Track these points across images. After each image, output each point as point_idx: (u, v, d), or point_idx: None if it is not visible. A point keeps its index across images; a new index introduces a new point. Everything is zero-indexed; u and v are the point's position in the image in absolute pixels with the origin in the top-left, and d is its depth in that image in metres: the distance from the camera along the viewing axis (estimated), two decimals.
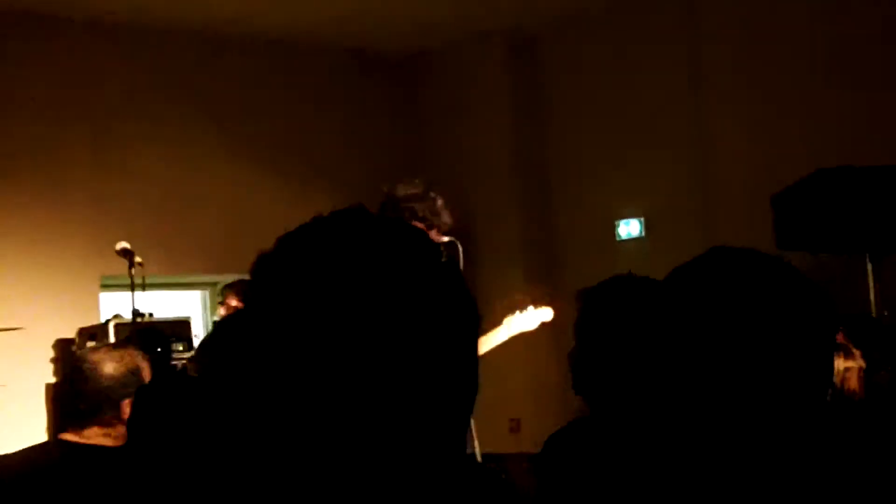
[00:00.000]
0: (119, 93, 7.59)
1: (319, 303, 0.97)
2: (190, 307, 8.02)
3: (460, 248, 5.64)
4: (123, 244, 5.29)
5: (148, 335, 5.42)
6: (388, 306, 0.97)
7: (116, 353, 3.02)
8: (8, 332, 5.84)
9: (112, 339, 6.10)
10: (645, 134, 7.73)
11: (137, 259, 5.17)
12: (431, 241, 1.03)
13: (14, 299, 6.73)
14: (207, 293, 8.24)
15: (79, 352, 3.08)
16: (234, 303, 5.71)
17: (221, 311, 5.81)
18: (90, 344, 6.22)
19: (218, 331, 1.12)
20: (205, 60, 8.00)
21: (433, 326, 0.98)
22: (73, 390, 2.93)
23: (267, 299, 1.00)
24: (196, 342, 7.05)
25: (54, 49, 7.35)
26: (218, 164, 7.93)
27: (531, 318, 5.45)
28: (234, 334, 1.02)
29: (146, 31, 7.70)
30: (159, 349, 5.72)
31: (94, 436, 2.91)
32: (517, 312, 5.41)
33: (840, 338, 3.80)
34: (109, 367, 2.95)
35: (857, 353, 3.76)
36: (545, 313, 5.48)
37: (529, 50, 8.37)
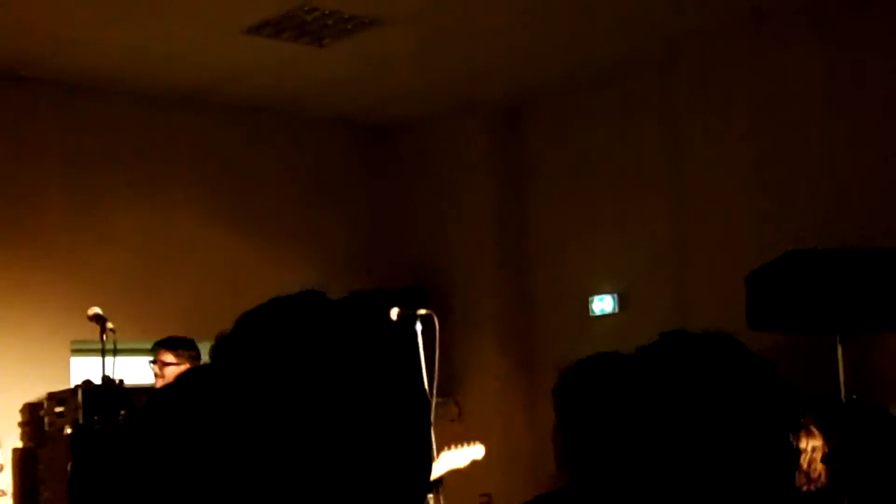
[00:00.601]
0: (97, 157, 7.61)
1: (269, 386, 1.00)
2: None
3: (436, 320, 5.69)
4: (95, 309, 5.28)
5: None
6: (334, 391, 1.00)
7: None
8: None
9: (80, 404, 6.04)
10: (621, 208, 7.77)
11: (109, 325, 5.16)
12: (387, 325, 1.07)
13: None
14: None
15: None
16: (167, 358, 5.64)
17: (155, 369, 5.69)
18: (58, 409, 6.18)
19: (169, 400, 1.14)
20: (184, 126, 8.04)
21: (378, 414, 1.01)
22: None
23: (223, 382, 1.04)
24: None
25: (35, 111, 7.38)
26: (193, 230, 7.93)
27: (464, 455, 5.53)
28: (187, 409, 1.07)
29: (126, 95, 7.74)
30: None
31: None
32: (451, 448, 5.48)
33: (806, 419, 3.81)
34: None
35: (818, 434, 3.76)
36: (477, 450, 5.57)
37: (511, 120, 8.43)
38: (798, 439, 3.71)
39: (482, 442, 7.67)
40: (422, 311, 5.84)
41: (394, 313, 5.48)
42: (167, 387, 1.19)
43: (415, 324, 5.71)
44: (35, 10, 6.42)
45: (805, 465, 3.70)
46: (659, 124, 7.64)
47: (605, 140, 7.90)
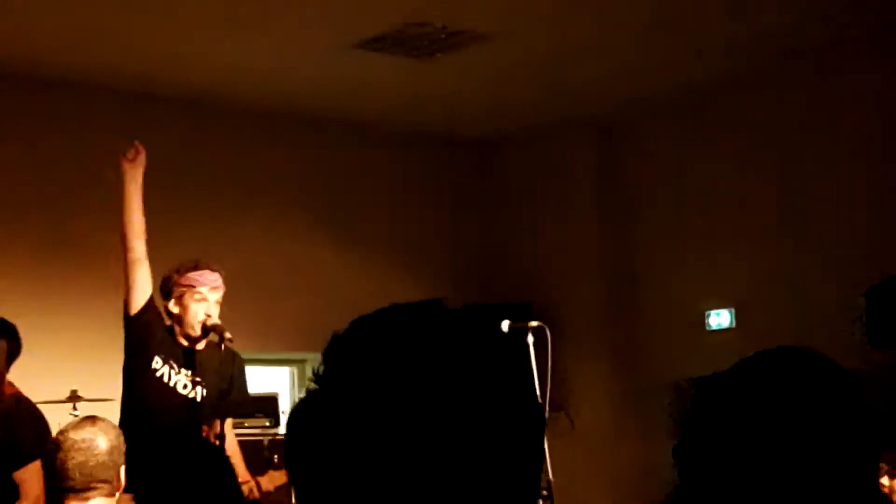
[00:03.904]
0: (199, 173, 7.66)
1: (384, 389, 0.98)
2: (279, 382, 8.06)
3: (549, 333, 5.61)
4: (215, 320, 5.24)
5: None
6: (449, 402, 0.98)
7: (104, 425, 3.26)
8: (98, 402, 5.70)
9: None
10: (737, 223, 7.58)
11: (227, 335, 5.10)
12: (503, 336, 1.05)
13: (102, 373, 6.46)
14: (295, 370, 8.29)
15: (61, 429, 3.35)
16: None
17: None
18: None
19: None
20: (289, 142, 8.08)
21: (493, 429, 0.98)
22: (67, 465, 3.11)
23: (336, 381, 1.01)
24: (283, 418, 7.05)
25: (148, 126, 7.24)
26: (298, 246, 7.97)
27: None
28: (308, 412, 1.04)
29: (236, 112, 7.81)
30: None
31: None
32: None
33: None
34: (104, 440, 3.18)
35: None
36: None
37: (613, 137, 8.33)
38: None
39: (593, 457, 7.58)
40: (533, 324, 5.68)
41: (505, 325, 5.39)
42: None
43: (526, 337, 5.62)
44: (153, 29, 6.52)
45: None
46: (771, 140, 7.44)
47: (713, 155, 7.75)
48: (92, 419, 3.40)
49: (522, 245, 8.55)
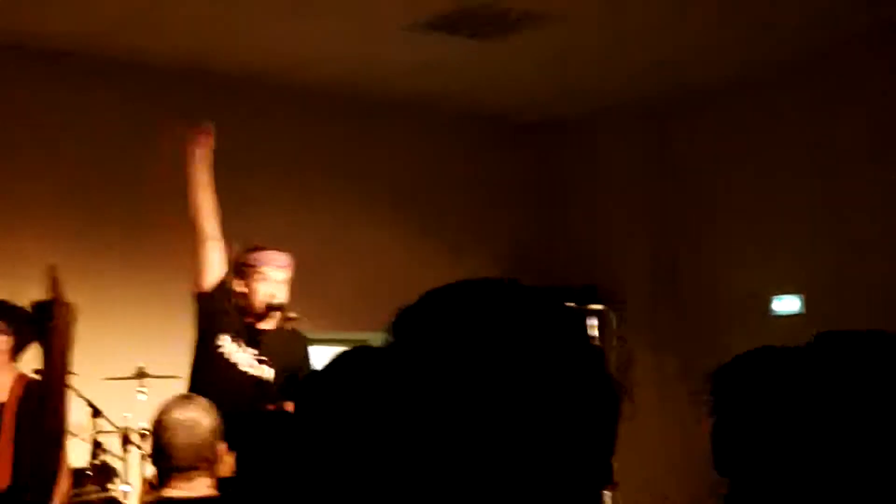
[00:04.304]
0: (254, 155, 7.56)
1: (459, 363, 0.94)
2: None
3: (612, 317, 5.60)
4: (279, 298, 5.21)
5: None
6: (524, 381, 0.94)
7: (204, 403, 3.28)
8: (165, 379, 5.76)
9: None
10: (809, 206, 7.41)
11: (292, 314, 4.83)
12: (582, 320, 1.01)
13: (169, 351, 6.47)
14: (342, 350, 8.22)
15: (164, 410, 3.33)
16: None
17: None
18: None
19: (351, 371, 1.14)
20: (348, 122, 8.03)
21: (568, 411, 0.95)
22: (174, 444, 3.12)
23: (407, 355, 0.97)
24: None
25: (209, 106, 7.09)
26: (355, 229, 7.92)
27: None
28: (368, 380, 1.01)
29: (292, 91, 7.73)
30: None
31: (201, 487, 3.10)
32: None
33: None
34: (207, 419, 3.21)
35: None
36: None
37: (671, 120, 8.19)
38: None
39: (660, 443, 7.50)
40: (596, 307, 5.73)
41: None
42: (330, 365, 1.10)
43: (589, 320, 5.57)
44: (217, 7, 6.49)
45: None
46: (847, 118, 7.25)
47: (779, 139, 7.57)
48: (189, 397, 3.44)
49: (583, 228, 8.46)
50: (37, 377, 4.27)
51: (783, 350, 2.01)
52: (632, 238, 8.24)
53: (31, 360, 4.37)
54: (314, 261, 7.28)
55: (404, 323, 0.99)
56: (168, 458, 3.12)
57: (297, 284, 7.13)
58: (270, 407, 4.53)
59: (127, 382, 6.03)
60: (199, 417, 3.17)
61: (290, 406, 4.57)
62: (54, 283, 3.10)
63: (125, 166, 7.21)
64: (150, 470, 4.04)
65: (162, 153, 6.26)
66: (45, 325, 3.32)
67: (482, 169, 8.53)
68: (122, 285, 7.09)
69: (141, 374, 6.04)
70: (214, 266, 4.59)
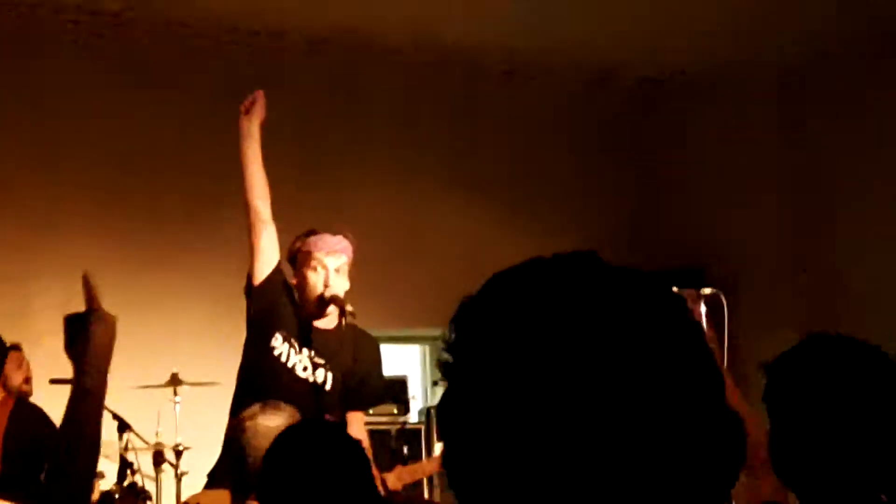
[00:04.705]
0: (327, 128, 7.70)
1: (527, 363, 0.93)
2: (408, 363, 8.05)
3: (724, 302, 5.20)
4: (334, 291, 5.06)
5: None
6: (610, 372, 0.92)
7: (293, 411, 3.34)
8: (201, 387, 5.92)
9: None
10: None
11: (349, 308, 4.60)
12: (677, 299, 0.98)
13: (205, 355, 6.74)
14: (427, 348, 8.22)
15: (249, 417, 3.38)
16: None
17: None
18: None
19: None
20: (427, 90, 8.05)
21: (661, 400, 0.93)
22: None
23: (467, 361, 0.96)
24: (413, 404, 7.10)
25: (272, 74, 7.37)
26: (438, 206, 7.93)
27: None
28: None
29: (367, 57, 7.78)
30: None
31: None
32: None
33: None
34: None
35: None
36: None
37: (798, 81, 8.15)
38: None
39: None
40: (706, 291, 5.24)
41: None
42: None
43: (697, 305, 5.46)
44: None
45: None
46: None
47: None
48: (277, 405, 3.41)
49: (692, 202, 8.39)
50: (29, 396, 4.42)
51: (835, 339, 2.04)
52: (751, 216, 8.15)
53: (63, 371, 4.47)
54: (377, 247, 7.34)
55: (466, 317, 0.97)
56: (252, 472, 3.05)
57: (370, 275, 7.26)
58: (329, 418, 4.40)
59: (159, 391, 5.99)
60: (287, 425, 3.10)
61: (354, 418, 4.56)
62: (88, 292, 3.07)
63: (160, 155, 7.40)
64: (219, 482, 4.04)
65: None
66: (79, 335, 3.36)
67: (574, 133, 8.44)
68: (152, 287, 7.19)
69: (175, 381, 5.99)
70: (268, 253, 4.50)
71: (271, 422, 3.20)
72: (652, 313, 0.95)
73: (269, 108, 4.56)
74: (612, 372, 0.91)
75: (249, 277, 4.52)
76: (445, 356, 0.97)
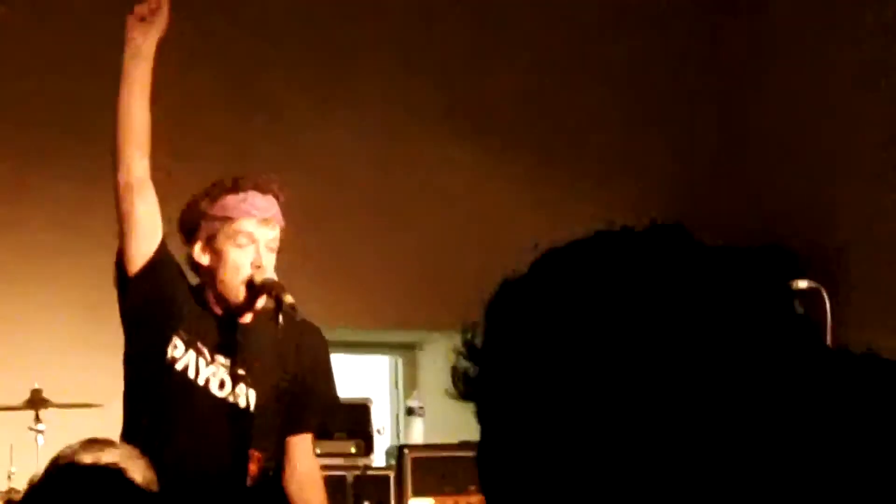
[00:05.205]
0: (284, 31, 7.56)
1: (615, 386, 0.98)
2: (372, 383, 7.82)
3: (826, 298, 5.82)
4: (267, 274, 4.62)
5: None
6: (703, 382, 0.96)
7: (129, 452, 3.39)
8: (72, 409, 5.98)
9: None
10: None
11: (288, 299, 4.43)
12: (787, 290, 1.04)
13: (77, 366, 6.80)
14: (399, 360, 7.93)
15: None
16: None
17: None
18: None
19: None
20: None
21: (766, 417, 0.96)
22: None
23: (519, 380, 1.01)
24: (379, 441, 7.00)
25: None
26: (432, 150, 7.65)
27: None
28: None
29: None
30: None
31: None
32: None
33: None
34: (138, 474, 3.23)
35: None
36: None
37: None
38: None
39: None
40: (802, 284, 5.79)
41: None
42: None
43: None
44: None
45: None
46: None
47: None
48: (101, 444, 3.43)
49: (780, 166, 8.19)
50: None
51: None
52: (866, 180, 7.94)
53: None
54: (337, 214, 7.41)
55: (500, 308, 1.04)
56: None
57: (323, 250, 7.00)
58: (256, 457, 4.39)
59: (13, 416, 5.94)
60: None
61: (298, 446, 4.61)
62: None
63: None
64: None
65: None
66: None
67: (631, 72, 8.27)
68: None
69: (37, 402, 5.91)
70: (148, 227, 4.29)
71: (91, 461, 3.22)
72: (774, 322, 1.00)
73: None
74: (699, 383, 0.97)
75: (121, 263, 4.34)
76: (472, 369, 1.03)
